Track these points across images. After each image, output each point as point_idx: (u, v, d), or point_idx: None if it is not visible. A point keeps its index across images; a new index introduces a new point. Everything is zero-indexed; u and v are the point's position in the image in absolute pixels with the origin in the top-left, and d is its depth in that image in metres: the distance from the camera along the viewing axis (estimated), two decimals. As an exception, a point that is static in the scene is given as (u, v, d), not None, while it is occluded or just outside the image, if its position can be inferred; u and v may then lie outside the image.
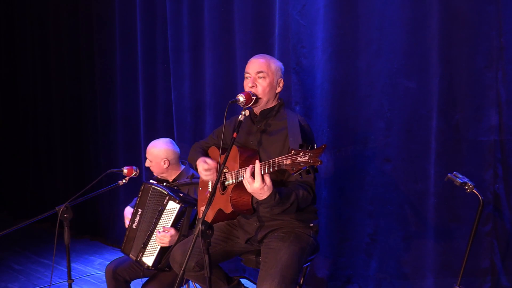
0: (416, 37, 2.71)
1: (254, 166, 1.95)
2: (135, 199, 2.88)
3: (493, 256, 2.53)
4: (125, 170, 2.81)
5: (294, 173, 1.81)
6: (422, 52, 2.69)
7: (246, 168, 2.07)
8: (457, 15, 2.55)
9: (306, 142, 2.11)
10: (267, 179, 1.95)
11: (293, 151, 1.82)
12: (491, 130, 2.49)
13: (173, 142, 2.97)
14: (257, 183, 1.93)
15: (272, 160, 1.91)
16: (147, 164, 2.92)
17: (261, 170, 1.93)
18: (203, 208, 2.51)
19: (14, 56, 6.68)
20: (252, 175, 1.95)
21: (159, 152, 2.86)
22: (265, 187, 1.94)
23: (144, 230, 2.69)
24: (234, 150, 2.23)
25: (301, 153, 1.79)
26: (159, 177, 2.94)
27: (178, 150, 2.94)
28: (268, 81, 2.26)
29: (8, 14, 6.69)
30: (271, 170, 1.91)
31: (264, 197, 1.97)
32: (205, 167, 2.35)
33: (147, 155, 2.91)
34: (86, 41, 5.26)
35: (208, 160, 2.37)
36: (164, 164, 2.85)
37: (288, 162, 1.82)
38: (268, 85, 2.25)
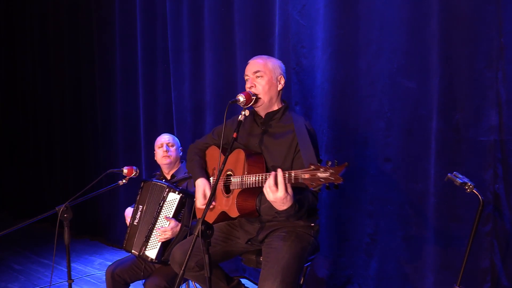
0: (416, 37, 2.71)
1: (277, 175, 1.89)
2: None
3: (493, 256, 2.53)
4: (125, 170, 2.83)
5: (314, 188, 1.77)
6: (422, 52, 2.69)
7: (256, 175, 2.06)
8: (457, 15, 2.55)
9: (314, 149, 2.10)
10: (290, 189, 1.90)
11: (312, 166, 1.78)
12: (491, 130, 2.49)
13: None
14: (280, 193, 1.88)
15: (289, 173, 1.88)
16: (166, 148, 2.96)
17: (284, 180, 1.88)
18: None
19: (14, 56, 6.68)
20: (275, 184, 1.89)
21: (178, 140, 3.07)
22: (288, 197, 1.90)
23: (146, 224, 2.71)
24: (238, 152, 2.22)
25: (321, 169, 1.76)
26: (162, 173, 3.02)
27: None
28: (267, 79, 2.26)
29: (8, 14, 6.70)
30: (287, 182, 1.88)
31: (285, 207, 1.93)
32: (201, 202, 2.34)
33: (169, 140, 3.02)
34: (86, 41, 5.27)
35: (208, 192, 2.35)
36: (180, 152, 3.04)
37: (307, 176, 1.79)
38: (267, 83, 2.26)
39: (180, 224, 2.60)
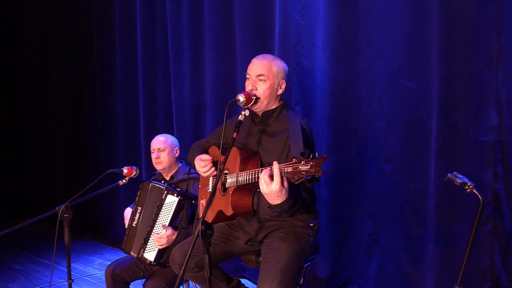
0: (416, 37, 2.71)
1: (272, 168, 1.85)
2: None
3: (493, 256, 2.53)
4: (125, 170, 2.82)
5: (296, 181, 1.77)
6: (422, 52, 2.69)
7: (248, 171, 2.06)
8: (457, 15, 2.55)
9: (308, 147, 2.10)
10: (286, 183, 1.86)
11: (294, 159, 1.77)
12: (491, 130, 2.49)
13: None
14: (276, 185, 1.83)
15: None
16: (156, 155, 2.89)
17: (280, 172, 1.84)
18: (203, 202, 2.52)
19: (14, 56, 6.68)
20: (270, 176, 1.85)
21: (172, 140, 2.96)
22: (283, 190, 1.85)
23: (145, 226, 2.70)
24: (235, 151, 2.22)
25: (302, 162, 1.75)
26: (161, 174, 2.98)
27: None
28: (269, 84, 2.23)
29: (8, 14, 6.70)
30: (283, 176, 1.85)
31: (280, 201, 1.89)
32: (201, 165, 2.35)
33: (159, 145, 2.90)
34: (86, 41, 5.27)
35: (203, 156, 2.36)
36: (176, 152, 2.94)
37: (290, 170, 1.78)
38: (268, 88, 2.23)
39: (176, 233, 2.59)
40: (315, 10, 3.13)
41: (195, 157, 2.43)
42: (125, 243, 2.82)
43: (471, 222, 2.17)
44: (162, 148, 2.89)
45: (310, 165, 1.73)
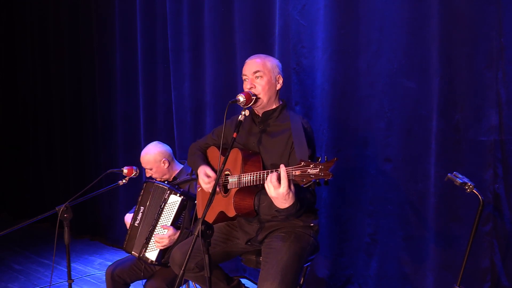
0: (416, 37, 2.71)
1: (279, 170, 1.84)
2: (134, 207, 2.89)
3: (493, 256, 2.53)
4: (125, 170, 2.82)
5: (304, 184, 1.76)
6: (422, 52, 2.69)
7: (252, 173, 2.05)
8: (457, 15, 2.55)
9: (310, 147, 2.10)
10: (292, 186, 1.85)
11: (302, 163, 1.77)
12: (491, 130, 2.49)
13: (160, 142, 3.00)
14: (283, 188, 1.83)
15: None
16: (148, 173, 2.91)
17: (287, 175, 1.83)
18: (200, 203, 2.52)
19: (14, 56, 6.68)
20: (278, 180, 1.84)
21: (155, 156, 2.87)
22: (290, 193, 1.85)
23: (147, 225, 2.71)
24: (236, 152, 2.22)
25: (311, 165, 1.74)
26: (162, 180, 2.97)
27: (169, 147, 2.97)
28: (266, 79, 2.25)
29: (8, 14, 6.70)
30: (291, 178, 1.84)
31: (287, 205, 1.89)
32: (205, 180, 2.33)
33: (145, 165, 2.90)
34: (86, 41, 5.27)
35: (209, 172, 2.34)
36: (164, 164, 2.88)
37: (298, 173, 1.77)
38: (266, 83, 2.25)
39: (178, 232, 2.59)
40: (315, 10, 3.13)
41: (199, 165, 2.41)
42: (127, 243, 2.81)
43: (471, 222, 2.17)
44: (150, 166, 2.89)
45: (320, 168, 1.72)
